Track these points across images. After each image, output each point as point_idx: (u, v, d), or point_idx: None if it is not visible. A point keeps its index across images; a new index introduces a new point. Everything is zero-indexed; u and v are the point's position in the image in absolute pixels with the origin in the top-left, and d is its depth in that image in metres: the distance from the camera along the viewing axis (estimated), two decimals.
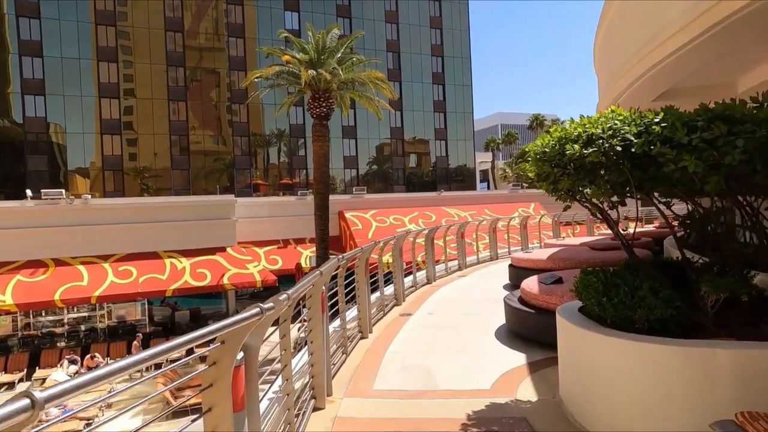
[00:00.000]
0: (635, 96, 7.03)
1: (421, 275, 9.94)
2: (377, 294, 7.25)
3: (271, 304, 2.00)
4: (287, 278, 23.04)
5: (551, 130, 3.57)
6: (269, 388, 3.04)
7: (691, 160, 2.80)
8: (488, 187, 59.02)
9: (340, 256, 4.52)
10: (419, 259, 10.55)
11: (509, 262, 12.04)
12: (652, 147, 2.98)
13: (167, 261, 21.60)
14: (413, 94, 47.13)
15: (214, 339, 1.75)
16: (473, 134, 51.32)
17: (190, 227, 22.53)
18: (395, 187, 46.56)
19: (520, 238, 15.32)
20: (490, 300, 7.92)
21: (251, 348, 2.05)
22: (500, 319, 6.39)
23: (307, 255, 25.97)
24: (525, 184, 36.60)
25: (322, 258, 21.32)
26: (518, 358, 4.90)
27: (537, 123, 73.10)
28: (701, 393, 2.76)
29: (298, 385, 3.85)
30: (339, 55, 21.16)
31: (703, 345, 2.79)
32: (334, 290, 5.14)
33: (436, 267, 10.68)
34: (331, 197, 28.99)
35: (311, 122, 21.74)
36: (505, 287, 8.96)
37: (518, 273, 8.67)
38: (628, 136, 3.07)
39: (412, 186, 46.71)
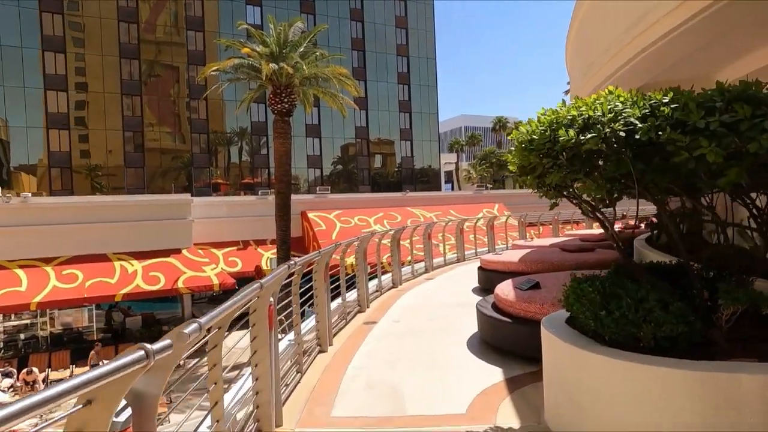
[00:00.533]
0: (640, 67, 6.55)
1: (386, 279, 9.38)
2: (339, 301, 6.65)
3: (165, 343, 1.38)
4: (247, 281, 21.98)
5: (538, 114, 3.08)
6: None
7: (709, 147, 2.34)
8: (452, 188, 59.20)
9: (291, 262, 3.90)
10: (384, 260, 10.01)
11: (477, 263, 11.70)
12: (660, 132, 2.51)
13: (117, 264, 20.30)
14: (378, 93, 46.66)
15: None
16: (438, 135, 51.31)
17: (143, 228, 21.26)
18: (360, 188, 45.95)
19: (486, 239, 15.00)
20: (459, 305, 7.44)
21: (145, 396, 1.47)
22: (472, 326, 5.91)
23: (268, 257, 25.04)
24: (489, 185, 36.75)
25: (283, 260, 20.48)
26: (494, 374, 4.40)
27: (500, 125, 74.12)
28: (722, 422, 2.30)
29: (240, 415, 3.22)
30: (302, 49, 20.41)
31: (726, 369, 2.33)
32: (290, 299, 4.52)
33: (402, 269, 10.15)
34: (294, 197, 28.15)
35: (273, 119, 20.89)
36: (475, 291, 8.51)
37: (488, 276, 8.24)
38: (632, 120, 2.60)
39: (378, 186, 46.22)
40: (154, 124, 39.46)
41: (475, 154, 72.72)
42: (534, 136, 2.92)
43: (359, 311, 7.23)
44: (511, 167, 3.53)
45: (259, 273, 21.42)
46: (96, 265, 19.74)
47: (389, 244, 9.75)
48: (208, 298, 26.29)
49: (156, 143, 39.54)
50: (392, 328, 6.30)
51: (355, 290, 7.43)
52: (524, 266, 7.60)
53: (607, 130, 2.58)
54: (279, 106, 19.95)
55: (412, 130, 48.69)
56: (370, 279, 8.42)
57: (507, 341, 4.78)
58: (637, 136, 2.57)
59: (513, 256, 8.11)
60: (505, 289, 5.26)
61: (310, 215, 27.53)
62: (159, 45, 39.66)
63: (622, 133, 2.55)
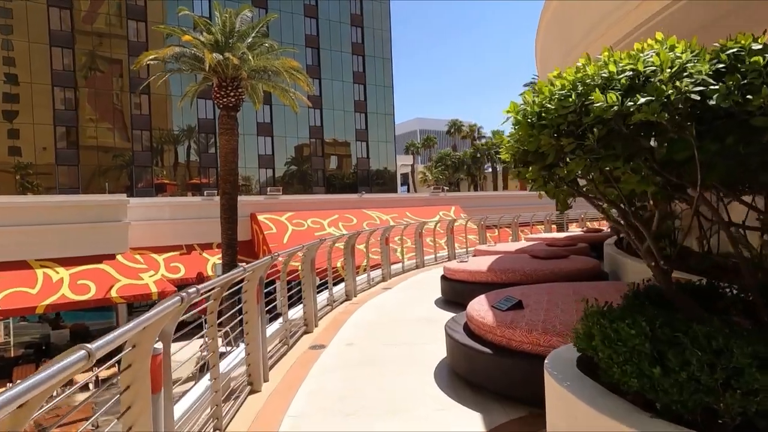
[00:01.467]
0: None
1: (339, 290, 8.32)
2: (281, 321, 5.54)
3: None
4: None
5: (550, 76, 2.14)
6: None
7: None
8: (408, 191, 58.71)
9: (199, 287, 2.79)
10: (339, 264, 8.95)
11: (438, 270, 10.85)
12: (748, 97, 1.63)
13: (39, 272, 18.21)
14: (333, 92, 45.48)
15: None
16: (394, 136, 50.63)
17: (70, 232, 19.23)
18: (315, 189, 44.59)
19: (446, 244, 14.21)
20: (423, 321, 6.50)
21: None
22: (439, 350, 4.97)
23: (213, 262, 23.39)
24: (446, 188, 36.29)
25: (229, 266, 19.03)
26: (472, 423, 3.45)
27: (455, 128, 74.48)
28: None
29: None
30: (250, 39, 19.03)
31: None
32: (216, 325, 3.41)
33: (358, 278, 9.11)
34: (243, 198, 26.58)
35: (219, 115, 19.36)
36: (439, 303, 7.59)
37: (453, 287, 7.34)
38: (704, 77, 1.70)
39: (333, 188, 45.00)
40: (93, 119, 36.66)
41: (430, 156, 72.73)
42: (549, 105, 1.98)
43: (306, 331, 6.15)
44: (504, 155, 2.59)
45: (200, 280, 19.79)
46: (14, 274, 17.60)
47: (343, 250, 8.69)
48: (149, 305, 24.30)
49: (93, 140, 36.73)
50: (345, 355, 5.25)
51: (302, 306, 6.34)
52: (494, 276, 6.75)
53: (671, 90, 1.66)
54: (224, 100, 18.50)
55: (367, 131, 47.78)
56: (320, 291, 7.35)
57: (486, 376, 3.84)
58: (711, 102, 1.67)
59: (480, 265, 7.24)
60: (480, 309, 4.33)
61: (260, 218, 26.03)
62: (100, 36, 36.91)
63: (694, 96, 1.64)
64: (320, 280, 7.39)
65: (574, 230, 16.06)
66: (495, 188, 61.96)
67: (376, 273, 10.06)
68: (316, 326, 6.38)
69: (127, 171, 37.96)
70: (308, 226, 26.60)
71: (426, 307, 7.43)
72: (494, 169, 65.11)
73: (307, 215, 27.12)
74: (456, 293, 7.19)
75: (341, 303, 8.00)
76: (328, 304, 7.55)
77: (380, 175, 49.03)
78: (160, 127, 38.92)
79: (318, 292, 7.05)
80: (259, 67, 18.89)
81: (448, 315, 6.73)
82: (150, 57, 17.69)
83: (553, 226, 20.53)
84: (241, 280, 4.15)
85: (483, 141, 66.92)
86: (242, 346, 4.33)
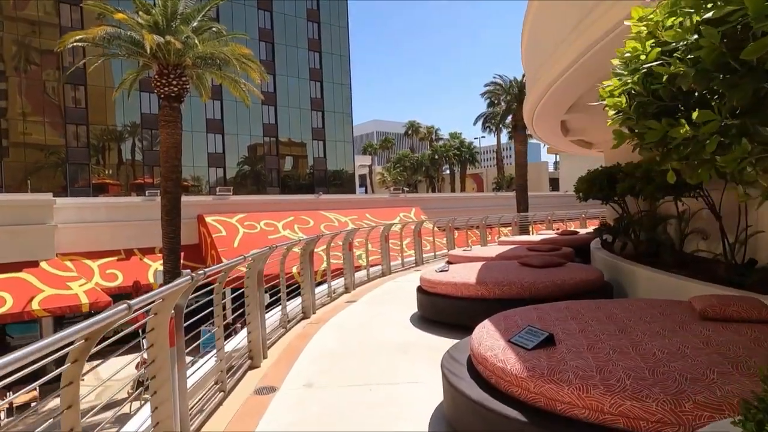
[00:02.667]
0: (592, 62, 5.79)
1: (295, 306, 6.91)
2: (214, 356, 4.12)
3: None
4: (128, 298, 18.28)
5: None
6: None
7: None
8: (366, 192, 57.45)
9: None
10: (295, 270, 7.55)
11: (407, 277, 9.67)
12: None
13: None
14: (289, 89, 43.66)
15: None
16: (353, 136, 49.27)
17: None
18: (269, 190, 42.60)
19: (414, 248, 13.04)
20: (398, 348, 5.23)
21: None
22: (426, 393, 3.74)
23: (156, 268, 21.28)
24: (406, 189, 35.27)
25: (171, 273, 17.16)
26: None
27: (413, 130, 73.98)
28: None
29: None
30: (195, 23, 17.26)
31: None
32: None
33: (316, 289, 7.72)
34: (189, 199, 24.61)
35: (160, 106, 17.42)
36: (415, 321, 6.34)
37: (433, 302, 6.11)
38: None
39: (288, 189, 43.15)
40: (24, 113, 33.33)
41: (388, 158, 71.82)
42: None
43: (251, 366, 4.74)
44: (609, 106, 1.37)
45: (138, 290, 17.85)
46: None
47: (300, 256, 7.28)
48: (84, 316, 21.88)
49: (25, 136, 33.43)
50: (300, 406, 3.88)
51: (246, 331, 4.92)
52: (485, 290, 5.56)
53: None
54: (166, 89, 16.64)
55: (325, 130, 46.21)
56: (271, 308, 5.95)
57: None
58: None
59: (465, 275, 6.04)
60: (494, 346, 3.09)
61: (209, 220, 24.08)
62: (31, 24, 33.64)
63: None
64: (270, 297, 5.99)
65: (545, 232, 15.26)
66: (452, 190, 61.72)
67: (339, 282, 8.71)
68: (264, 358, 4.98)
69: (62, 170, 34.80)
70: (261, 228, 24.85)
71: (400, 326, 6.16)
72: (452, 171, 64.90)
73: (260, 217, 25.36)
74: (437, 311, 5.97)
75: (298, 322, 6.61)
76: (281, 326, 6.15)
77: (338, 175, 47.53)
78: (100, 122, 35.94)
79: (269, 309, 5.67)
80: (205, 54, 17.13)
81: (429, 338, 5.50)
82: (76, 38, 15.61)
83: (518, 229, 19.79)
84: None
85: (441, 143, 66.65)
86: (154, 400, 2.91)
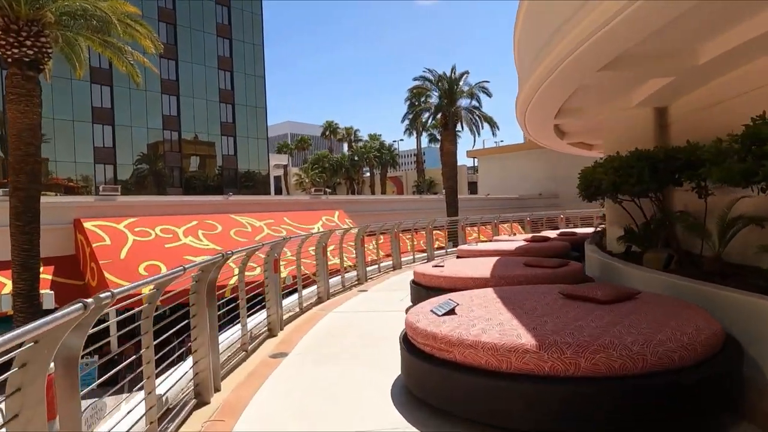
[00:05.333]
0: (576, 65, 5.55)
1: (181, 377, 3.86)
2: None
3: None
4: None
5: None
6: None
7: None
8: (281, 193, 53.51)
9: None
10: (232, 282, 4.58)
11: (351, 306, 6.80)
12: None
13: None
14: (194, 78, 38.89)
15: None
16: (267, 132, 45.27)
17: None
18: (170, 191, 37.54)
19: (356, 259, 10.26)
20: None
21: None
22: None
23: (8, 289, 16.53)
24: (328, 190, 32.35)
25: (26, 297, 13.00)
26: None
27: (330, 130, 70.98)
28: None
29: None
30: None
31: None
32: None
33: (222, 337, 4.78)
34: (64, 200, 20.06)
35: (7, 74, 13.08)
36: (402, 402, 3.60)
37: (445, 376, 3.40)
38: None
39: (194, 190, 38.34)
40: None
41: (305, 159, 68.32)
42: None
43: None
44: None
45: None
46: None
47: (191, 290, 4.28)
48: None
49: None
50: None
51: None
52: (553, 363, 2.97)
53: None
54: (16, 51, 12.48)
55: (235, 125, 41.81)
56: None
57: None
58: None
59: (483, 315, 3.42)
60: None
61: (88, 225, 19.51)
62: None
63: None
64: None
65: (501, 237, 13.19)
66: (372, 192, 59.65)
67: (257, 321, 5.70)
68: (217, 391, 2.27)
69: None
70: (157, 235, 20.62)
71: (375, 412, 3.39)
72: (372, 174, 62.86)
73: (156, 222, 21.11)
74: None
75: (261, 342, 3.70)
76: (242, 348, 3.36)
77: (250, 176, 43.27)
78: None
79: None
80: (74, 10, 13.17)
81: None
82: None
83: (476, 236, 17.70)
84: None
85: (360, 144, 64.35)
86: None
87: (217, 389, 3.67)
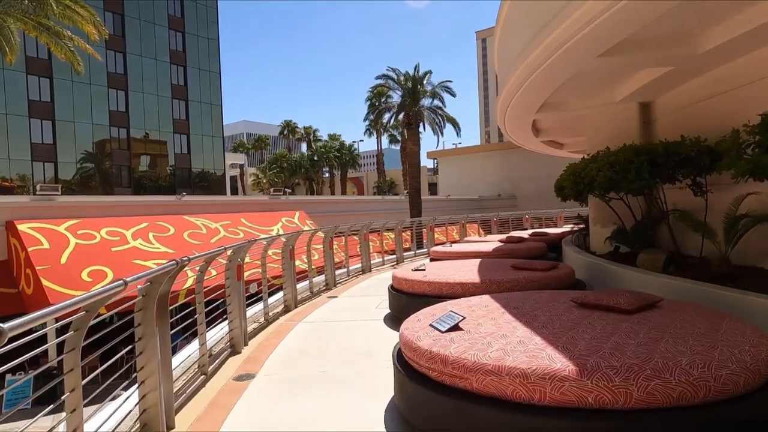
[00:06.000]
0: (574, 54, 5.12)
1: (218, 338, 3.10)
2: None
3: None
4: None
5: None
6: None
7: None
8: (237, 194, 51.68)
9: None
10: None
11: (326, 315, 5.96)
12: None
13: None
14: (144, 72, 36.85)
15: None
16: (222, 131, 43.53)
17: None
18: (118, 191, 35.38)
19: (324, 263, 9.52)
20: None
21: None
22: None
23: None
24: (288, 190, 31.23)
25: None
26: None
27: (289, 130, 69.48)
28: None
29: None
30: None
31: None
32: None
33: (212, 336, 4.00)
34: None
35: None
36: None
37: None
38: None
39: (144, 191, 36.29)
40: None
41: (262, 158, 66.54)
42: None
43: None
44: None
45: None
46: None
47: (137, 308, 3.48)
48: None
49: None
50: None
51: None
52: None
53: None
54: None
55: (189, 122, 39.93)
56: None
57: None
58: None
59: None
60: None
61: (23, 227, 17.83)
62: None
63: None
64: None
65: (472, 239, 12.77)
66: (332, 193, 58.68)
67: (217, 336, 4.92)
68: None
69: None
70: (102, 238, 19.08)
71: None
72: (332, 174, 61.89)
73: (101, 223, 19.56)
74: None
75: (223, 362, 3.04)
76: (200, 371, 2.82)
77: (205, 176, 41.43)
78: None
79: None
80: None
81: None
82: None
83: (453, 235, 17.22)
84: None
85: (320, 144, 63.22)
86: None
87: (170, 427, 3.03)
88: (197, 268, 4.21)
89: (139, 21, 36.67)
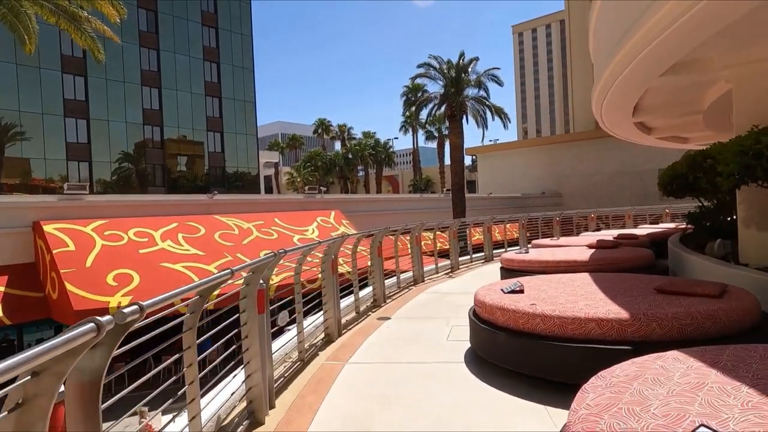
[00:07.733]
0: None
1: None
2: None
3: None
4: None
5: None
6: None
7: None
8: (272, 193, 50.91)
9: None
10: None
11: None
12: None
13: None
14: (177, 68, 36.21)
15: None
16: (256, 128, 42.62)
17: None
18: (151, 190, 34.85)
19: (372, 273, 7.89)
20: None
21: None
22: None
23: None
24: (323, 188, 29.91)
25: None
26: None
27: (323, 128, 68.46)
28: None
29: None
30: None
31: None
32: None
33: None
34: (19, 199, 17.63)
35: None
36: None
37: None
38: None
39: (179, 190, 35.66)
40: None
41: (297, 158, 65.76)
42: None
43: None
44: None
45: None
46: None
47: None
48: None
49: None
50: None
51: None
52: None
53: None
54: None
55: (223, 120, 39.13)
56: None
57: None
58: None
59: None
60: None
61: (49, 228, 16.95)
62: None
63: None
64: None
65: (543, 242, 10.85)
66: (367, 192, 57.25)
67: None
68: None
69: None
70: (130, 239, 18.06)
71: None
72: (367, 172, 60.44)
73: (129, 224, 18.55)
74: None
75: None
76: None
77: (240, 176, 40.59)
78: None
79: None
80: None
81: None
82: None
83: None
84: None
85: (354, 142, 61.88)
86: None
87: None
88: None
89: (172, 17, 36.05)
